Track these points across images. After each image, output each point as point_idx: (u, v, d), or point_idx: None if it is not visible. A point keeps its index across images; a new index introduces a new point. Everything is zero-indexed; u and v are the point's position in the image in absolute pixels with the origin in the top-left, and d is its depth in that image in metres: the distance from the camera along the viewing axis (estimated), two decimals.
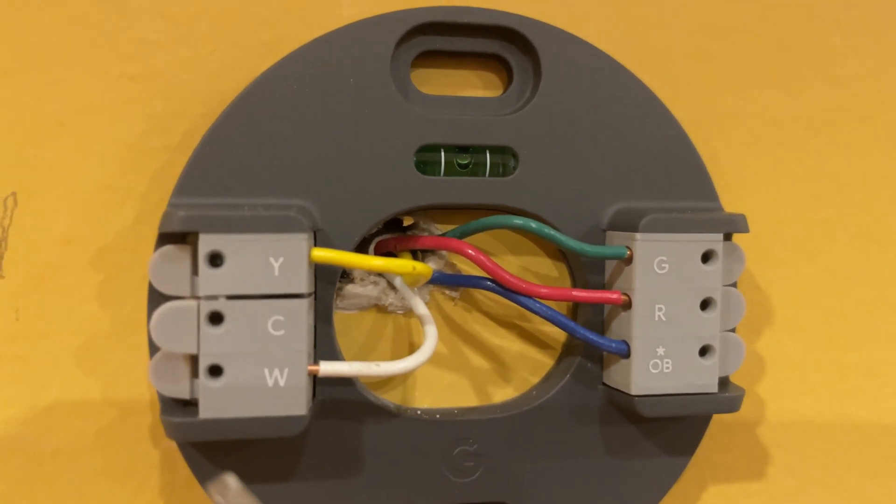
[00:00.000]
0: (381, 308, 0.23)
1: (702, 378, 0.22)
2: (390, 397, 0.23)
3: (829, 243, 0.26)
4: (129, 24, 0.21)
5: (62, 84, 0.21)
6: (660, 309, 0.21)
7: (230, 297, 0.19)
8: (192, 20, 0.22)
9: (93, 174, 0.21)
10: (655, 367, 0.21)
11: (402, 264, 0.20)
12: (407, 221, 0.23)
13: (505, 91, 0.23)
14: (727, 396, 0.22)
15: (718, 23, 0.25)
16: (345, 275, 0.23)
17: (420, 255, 0.23)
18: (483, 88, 0.23)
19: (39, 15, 0.21)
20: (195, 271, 0.19)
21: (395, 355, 0.23)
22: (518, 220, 0.21)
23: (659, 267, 0.21)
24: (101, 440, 0.22)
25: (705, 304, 0.22)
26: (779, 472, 0.26)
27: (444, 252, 0.23)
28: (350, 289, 0.23)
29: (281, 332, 0.19)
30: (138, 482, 0.22)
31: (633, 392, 0.21)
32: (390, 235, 0.23)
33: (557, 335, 0.24)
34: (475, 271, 0.23)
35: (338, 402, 0.21)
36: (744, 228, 0.22)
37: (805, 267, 0.26)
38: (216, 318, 0.19)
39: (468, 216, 0.23)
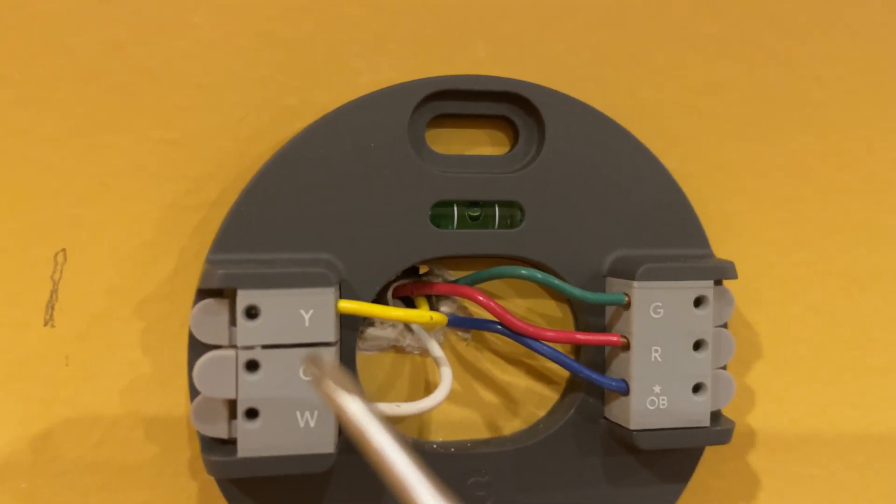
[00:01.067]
0: (398, 349, 0.25)
1: (695, 413, 0.24)
2: (408, 432, 0.25)
3: (812, 284, 0.28)
4: (167, 94, 0.23)
5: (106, 149, 0.23)
6: (656, 350, 0.23)
7: (265, 347, 0.21)
8: (225, 89, 0.24)
9: (135, 231, 0.23)
10: (652, 403, 0.23)
11: (420, 315, 0.22)
12: (423, 269, 0.25)
13: (511, 149, 0.25)
14: (718, 430, 0.24)
15: (707, 80, 0.27)
16: (366, 318, 0.25)
17: (435, 299, 0.25)
18: (492, 146, 0.25)
19: (86, 86, 0.23)
20: (233, 322, 0.21)
21: (412, 393, 0.25)
22: (524, 271, 0.23)
23: (655, 312, 0.23)
24: (144, 475, 0.23)
25: (697, 345, 0.24)
26: (768, 496, 0.28)
27: (456, 297, 0.25)
28: (371, 332, 0.25)
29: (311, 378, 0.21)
30: None
31: (632, 426, 0.23)
32: (408, 281, 0.25)
33: (562, 371, 0.26)
34: (487, 314, 0.25)
35: None
36: (732, 275, 0.24)
37: (790, 306, 0.28)
38: (252, 366, 0.21)
39: (479, 264, 0.25)
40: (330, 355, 0.20)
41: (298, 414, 0.21)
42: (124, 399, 0.23)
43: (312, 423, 0.21)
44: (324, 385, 0.17)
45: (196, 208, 0.24)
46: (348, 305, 0.22)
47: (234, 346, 0.21)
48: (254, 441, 0.21)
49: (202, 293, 0.22)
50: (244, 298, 0.21)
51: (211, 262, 0.22)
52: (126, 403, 0.23)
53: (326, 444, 0.21)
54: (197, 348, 0.21)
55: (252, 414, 0.21)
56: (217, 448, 0.22)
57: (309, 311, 0.21)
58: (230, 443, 0.22)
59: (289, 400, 0.21)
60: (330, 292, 0.21)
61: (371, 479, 0.23)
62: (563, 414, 0.25)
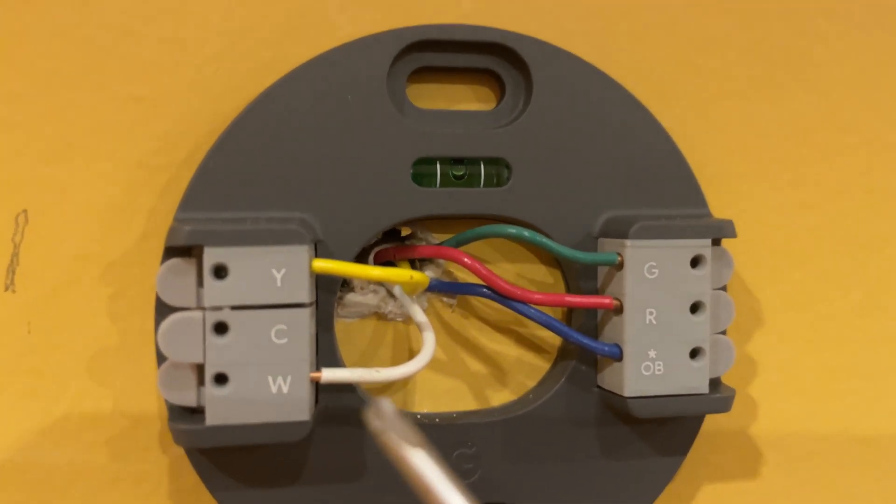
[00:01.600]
0: (380, 316, 0.24)
1: (693, 379, 0.22)
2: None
3: (817, 248, 0.27)
4: (135, 49, 0.22)
5: (72, 106, 0.22)
6: (650, 313, 0.22)
7: (234, 308, 0.20)
8: (195, 42, 0.22)
9: (101, 192, 0.22)
10: (647, 369, 0.22)
11: (399, 274, 0.21)
12: (405, 231, 0.24)
13: (498, 104, 0.24)
14: (718, 397, 0.23)
15: (705, 36, 0.25)
16: (345, 284, 0.23)
17: (418, 263, 0.24)
18: (477, 102, 0.24)
19: (50, 41, 0.22)
20: (201, 283, 0.20)
21: (396, 361, 0.24)
22: (512, 230, 0.22)
23: (649, 272, 0.22)
24: (113, 448, 0.22)
25: (695, 308, 0.22)
26: (771, 471, 0.27)
27: (441, 261, 0.24)
28: (350, 297, 0.23)
29: (284, 341, 0.20)
30: (149, 489, 0.23)
31: (626, 394, 0.22)
32: (389, 245, 0.24)
33: (553, 339, 0.25)
34: (472, 279, 0.24)
35: (340, 407, 0.22)
36: (731, 233, 0.23)
37: (793, 271, 0.26)
38: (221, 329, 0.20)
39: (464, 225, 0.24)
40: (391, 406, 0.19)
41: (271, 379, 0.20)
42: (91, 369, 0.22)
43: (286, 390, 0.20)
44: (387, 437, 0.16)
45: (165, 167, 0.22)
46: (323, 264, 0.20)
47: (201, 308, 0.20)
48: (223, 408, 0.20)
49: (169, 252, 0.21)
50: (211, 256, 0.20)
51: (179, 221, 0.21)
52: (93, 373, 0.22)
53: (301, 412, 0.20)
54: (164, 312, 0.20)
55: (221, 379, 0.20)
56: (185, 417, 0.20)
57: (281, 271, 0.20)
58: (199, 411, 0.20)
59: (260, 364, 0.20)
60: (303, 250, 0.20)
61: (353, 452, 0.22)
62: (554, 383, 0.24)
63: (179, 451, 0.22)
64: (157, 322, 0.21)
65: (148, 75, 0.22)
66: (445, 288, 0.23)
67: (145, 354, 0.22)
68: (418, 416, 0.23)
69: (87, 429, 0.22)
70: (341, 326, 0.24)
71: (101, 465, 0.22)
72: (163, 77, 0.22)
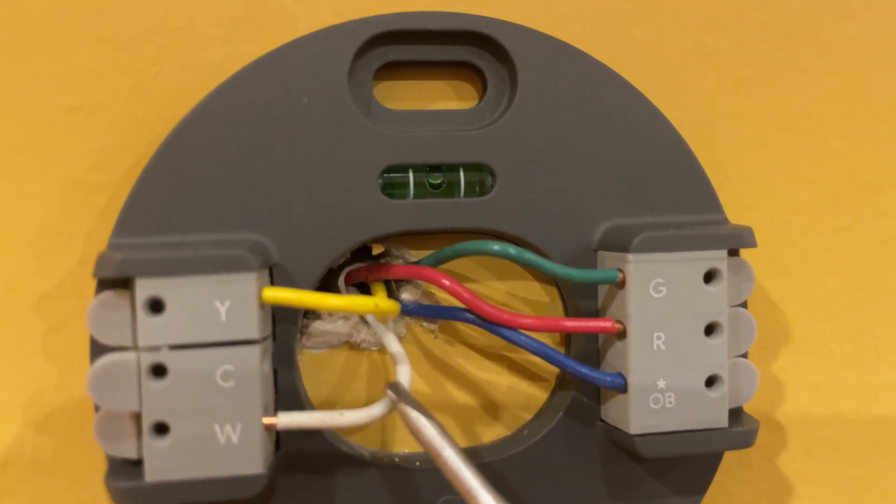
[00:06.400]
0: (353, 345, 0.21)
1: (710, 412, 0.20)
2: (366, 443, 0.21)
3: (851, 252, 0.23)
4: (65, 52, 0.20)
5: None
6: (658, 337, 0.19)
7: (173, 347, 0.17)
8: (134, 43, 0.20)
9: (33, 215, 0.20)
10: (656, 401, 0.19)
11: (363, 303, 0.18)
12: (377, 249, 0.21)
13: (479, 102, 0.21)
14: (739, 431, 0.20)
15: (714, 15, 0.22)
16: (311, 311, 0.21)
17: (395, 285, 0.21)
18: (455, 100, 0.21)
19: None
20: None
21: (371, 396, 0.21)
22: (496, 246, 0.19)
23: (655, 290, 0.19)
24: None
25: (710, 330, 0.20)
26: None
27: (419, 281, 0.21)
28: (317, 326, 0.21)
29: (231, 384, 0.17)
30: None
31: (633, 431, 0.19)
32: (361, 265, 0.21)
33: (552, 367, 0.22)
34: (454, 301, 0.21)
35: (305, 453, 0.19)
36: (751, 243, 0.20)
37: (825, 279, 0.23)
38: (159, 371, 0.17)
39: (444, 240, 0.21)
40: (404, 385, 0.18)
41: (217, 428, 0.17)
42: (27, 415, 0.20)
43: (235, 439, 0.17)
44: (401, 408, 0.18)
45: (104, 186, 0.20)
46: (274, 294, 0.18)
47: (136, 349, 0.17)
48: (164, 462, 0.17)
49: (102, 285, 0.18)
50: (145, 288, 0.17)
51: (112, 247, 0.18)
52: (29, 420, 0.20)
53: (254, 464, 0.17)
54: (99, 352, 0.18)
55: (161, 429, 0.17)
56: (126, 471, 0.18)
57: (225, 303, 0.17)
58: (142, 464, 0.18)
59: (204, 411, 0.17)
60: (250, 278, 0.17)
61: (321, 501, 0.20)
62: (552, 416, 0.21)
63: None
64: (93, 363, 0.18)
65: (81, 82, 0.20)
66: (424, 312, 0.21)
67: (87, 396, 0.20)
68: (396, 459, 0.20)
69: (24, 483, 0.20)
70: (308, 358, 0.21)
71: None
72: (98, 83, 0.20)
